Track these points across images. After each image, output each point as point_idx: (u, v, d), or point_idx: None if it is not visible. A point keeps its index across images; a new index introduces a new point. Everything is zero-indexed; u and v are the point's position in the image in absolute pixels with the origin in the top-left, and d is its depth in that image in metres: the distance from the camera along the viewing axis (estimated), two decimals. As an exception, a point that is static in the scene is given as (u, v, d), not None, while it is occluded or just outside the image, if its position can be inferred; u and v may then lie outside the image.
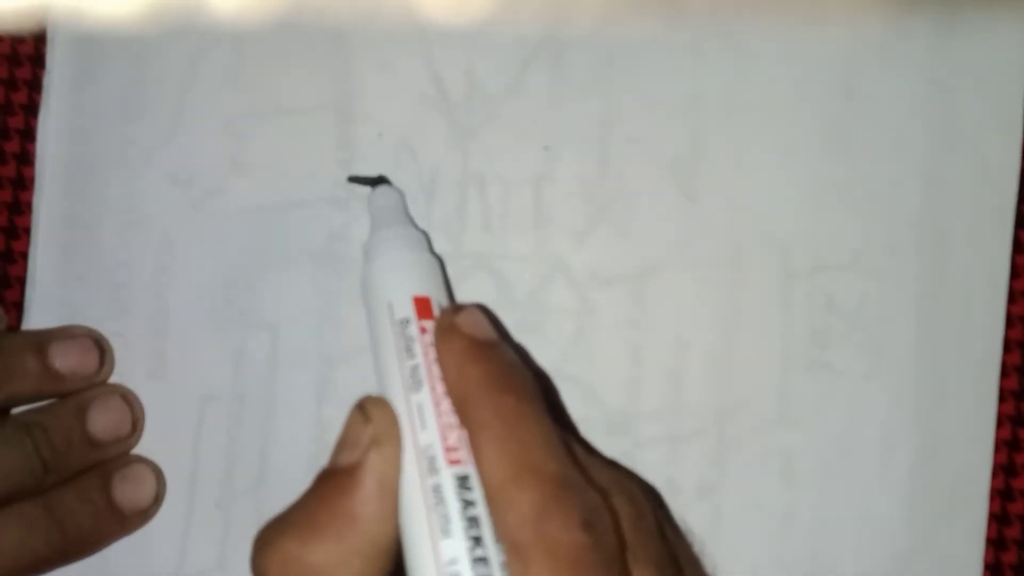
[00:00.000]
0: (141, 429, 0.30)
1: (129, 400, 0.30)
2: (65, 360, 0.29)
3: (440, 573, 0.21)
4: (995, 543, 0.30)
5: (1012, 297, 0.30)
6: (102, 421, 0.29)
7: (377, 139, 0.30)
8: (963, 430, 0.30)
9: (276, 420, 0.30)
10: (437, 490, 0.22)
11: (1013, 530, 0.30)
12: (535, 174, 0.30)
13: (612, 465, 0.25)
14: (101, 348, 0.30)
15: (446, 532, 0.21)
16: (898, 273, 0.30)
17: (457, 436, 0.22)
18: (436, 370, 0.23)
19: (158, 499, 0.30)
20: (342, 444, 0.23)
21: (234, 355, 0.30)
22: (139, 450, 0.30)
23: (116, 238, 0.30)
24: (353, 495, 0.22)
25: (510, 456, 0.21)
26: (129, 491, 0.29)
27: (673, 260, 0.30)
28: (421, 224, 0.30)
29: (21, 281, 0.31)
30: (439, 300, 0.25)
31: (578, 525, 0.20)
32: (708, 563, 0.29)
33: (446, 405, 0.23)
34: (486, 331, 0.24)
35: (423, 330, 0.24)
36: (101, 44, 0.30)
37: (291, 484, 0.30)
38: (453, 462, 0.22)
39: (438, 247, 0.30)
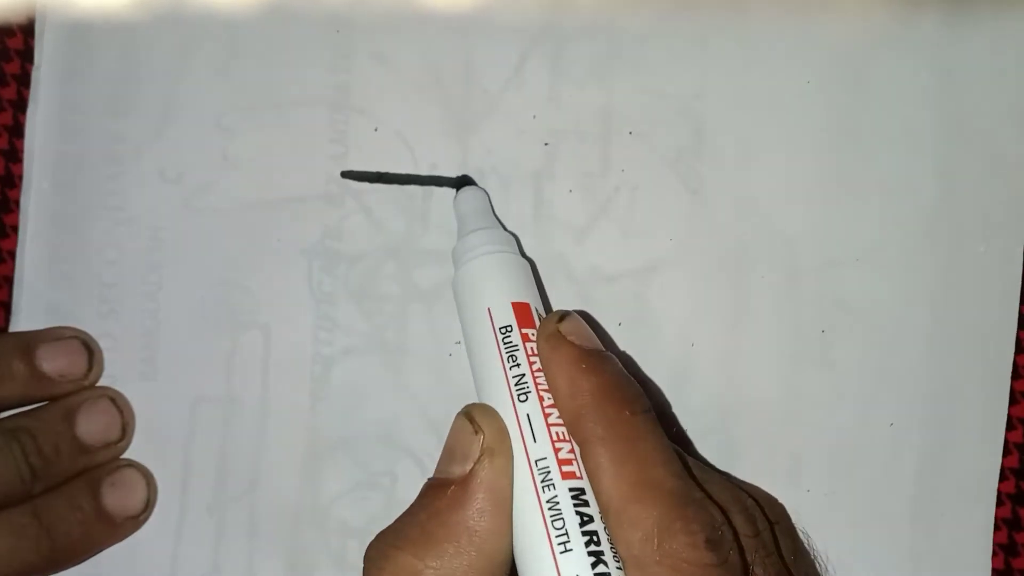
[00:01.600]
0: (131, 433, 0.30)
1: (118, 404, 0.30)
2: (53, 363, 0.29)
3: None
4: (1006, 548, 0.30)
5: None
6: (91, 426, 0.29)
7: (373, 133, 0.30)
8: (973, 431, 0.29)
9: (269, 422, 0.30)
10: (554, 504, 0.21)
11: (1025, 533, 0.30)
12: (535, 169, 0.30)
13: (728, 479, 0.25)
14: (90, 350, 0.29)
15: (566, 548, 0.21)
16: (908, 269, 0.29)
17: (568, 449, 0.22)
18: (542, 379, 0.23)
19: (149, 505, 0.30)
20: (451, 455, 0.22)
21: (226, 355, 0.30)
22: (129, 454, 0.30)
23: (105, 236, 0.30)
24: (467, 508, 0.21)
25: (630, 473, 0.21)
26: (119, 497, 0.29)
27: (677, 257, 0.29)
28: (418, 221, 0.29)
29: (9, 280, 0.30)
30: (536, 306, 0.25)
31: (703, 543, 0.20)
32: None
33: (555, 416, 0.22)
34: (592, 340, 0.23)
35: (525, 337, 0.24)
36: (90, 38, 0.30)
37: (284, 488, 0.30)
38: (567, 475, 0.22)
39: (436, 244, 0.30)
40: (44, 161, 0.30)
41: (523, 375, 0.23)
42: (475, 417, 0.22)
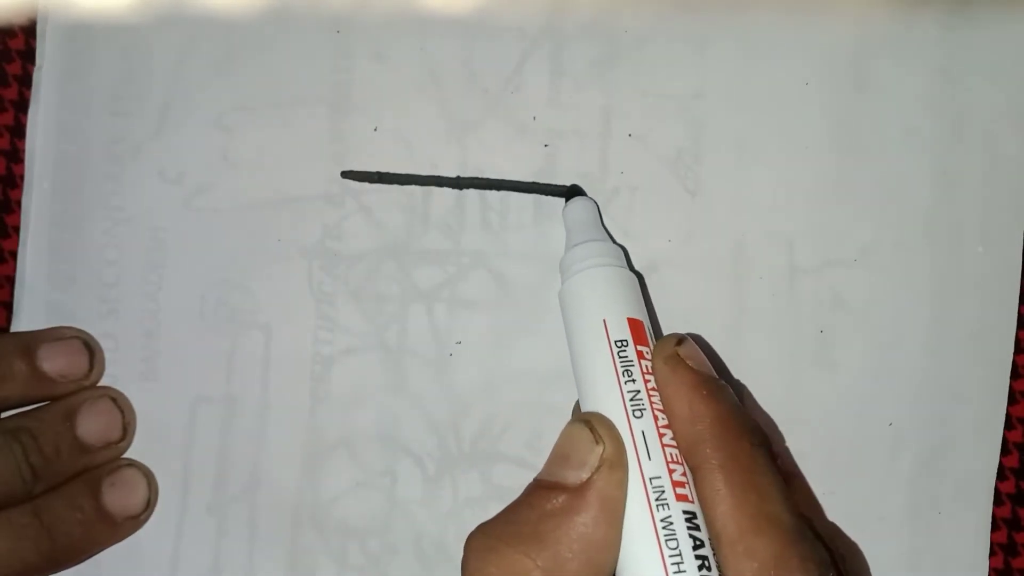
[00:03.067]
0: (132, 433, 0.30)
1: (119, 403, 0.30)
2: (54, 363, 0.29)
3: None
4: (1005, 548, 0.30)
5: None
6: (92, 426, 0.29)
7: (372, 133, 0.30)
8: (971, 431, 0.29)
9: (269, 422, 0.30)
10: (668, 524, 0.21)
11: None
12: (534, 170, 0.29)
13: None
14: (91, 350, 0.29)
15: (679, 569, 0.20)
16: (907, 269, 0.29)
17: (681, 471, 0.22)
18: (656, 399, 0.23)
19: (149, 505, 0.30)
20: (566, 459, 0.22)
21: (226, 355, 0.30)
22: (130, 453, 0.30)
23: (105, 236, 0.30)
24: (581, 516, 0.21)
25: (749, 504, 0.21)
26: (119, 497, 0.29)
27: (675, 257, 0.29)
28: (418, 221, 0.29)
29: (10, 280, 0.30)
30: (648, 325, 0.25)
31: None
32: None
33: (668, 437, 0.22)
34: (707, 367, 0.24)
35: (640, 355, 0.24)
36: (91, 38, 0.30)
37: (284, 488, 0.30)
38: (680, 498, 0.22)
39: (436, 245, 0.30)
40: (45, 161, 0.30)
41: (638, 391, 0.23)
42: (595, 426, 0.22)
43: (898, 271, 0.29)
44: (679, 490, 0.22)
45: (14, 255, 0.30)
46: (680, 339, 0.24)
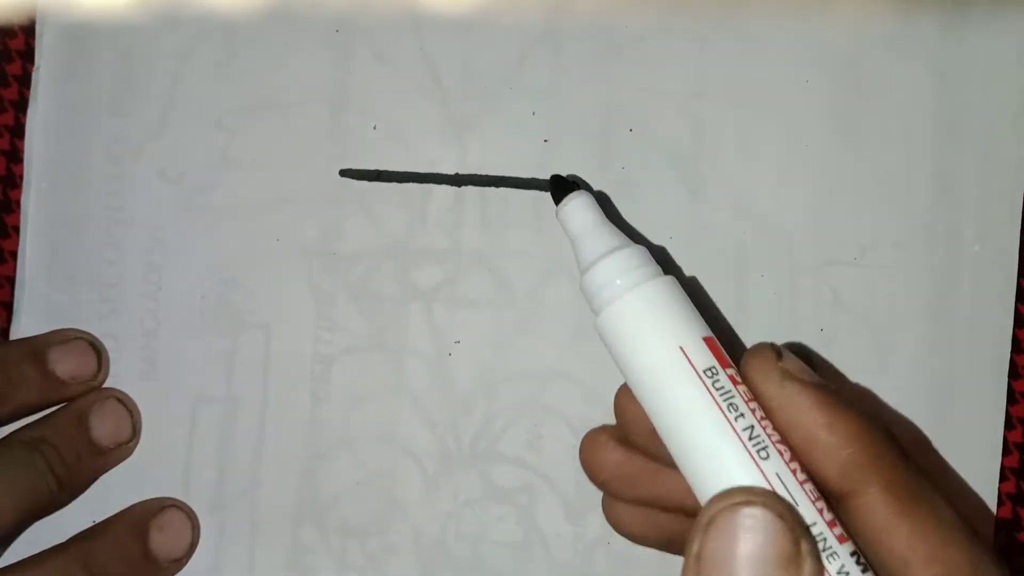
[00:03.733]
0: (139, 431, 0.30)
1: (125, 403, 0.30)
2: (65, 366, 0.29)
3: None
4: (1005, 550, 0.30)
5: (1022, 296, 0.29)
6: (104, 427, 0.29)
7: (372, 132, 0.30)
8: (970, 430, 0.29)
9: (269, 422, 0.30)
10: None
11: (1026, 532, 0.30)
12: (534, 167, 0.29)
13: None
14: (97, 351, 0.30)
15: None
16: (906, 268, 0.29)
17: (822, 505, 0.19)
18: (770, 428, 0.20)
19: (192, 546, 0.30)
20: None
21: (226, 355, 0.30)
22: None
23: (105, 236, 0.30)
24: None
25: (930, 518, 0.19)
26: (167, 541, 0.29)
27: (676, 255, 0.29)
28: (417, 220, 0.29)
29: (10, 280, 0.30)
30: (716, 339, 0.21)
31: None
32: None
33: (800, 471, 0.19)
34: (816, 376, 0.21)
35: (733, 380, 0.20)
36: (90, 38, 0.30)
37: (284, 488, 0.30)
38: (841, 539, 0.19)
39: (435, 244, 0.30)
40: (44, 161, 0.30)
41: (751, 426, 0.19)
42: (782, 513, 0.18)
43: (897, 270, 0.29)
44: (835, 531, 0.19)
45: (14, 255, 0.30)
46: (777, 351, 0.21)
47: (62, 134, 0.30)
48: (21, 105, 0.30)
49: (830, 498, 0.20)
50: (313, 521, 0.30)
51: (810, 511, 0.19)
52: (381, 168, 0.30)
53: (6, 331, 0.30)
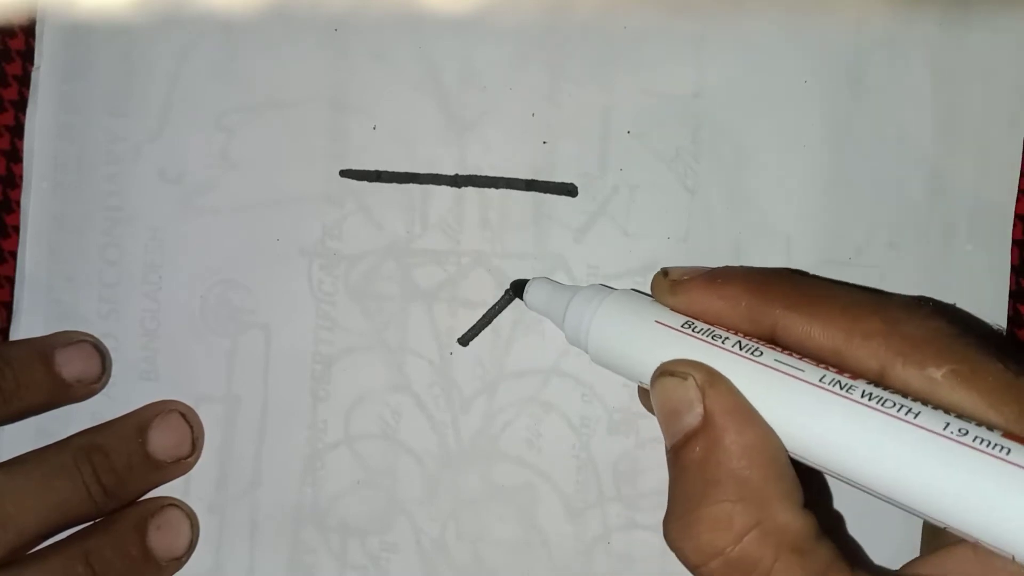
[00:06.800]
0: (200, 448, 0.30)
1: (188, 419, 0.30)
2: (72, 368, 0.29)
3: None
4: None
5: (1015, 295, 0.29)
6: (163, 441, 0.29)
7: (371, 132, 0.30)
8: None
9: (269, 421, 0.30)
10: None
11: None
12: (534, 168, 0.29)
13: None
14: (101, 353, 0.30)
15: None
16: (901, 268, 0.29)
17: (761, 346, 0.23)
18: (740, 337, 0.23)
19: (192, 545, 0.30)
20: (675, 413, 0.22)
21: (226, 355, 0.30)
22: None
23: (105, 236, 0.30)
24: (727, 437, 0.21)
25: (835, 313, 0.22)
26: (165, 539, 0.29)
27: (675, 255, 0.29)
28: (417, 221, 0.29)
29: (10, 280, 0.30)
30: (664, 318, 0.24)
31: None
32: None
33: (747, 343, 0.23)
34: (698, 269, 0.25)
35: (709, 324, 0.24)
36: (90, 38, 0.30)
37: (284, 487, 0.30)
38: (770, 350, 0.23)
39: (435, 245, 0.30)
40: (44, 161, 0.30)
41: (737, 342, 0.23)
42: (671, 370, 0.22)
43: (892, 269, 0.29)
44: (768, 356, 0.22)
45: (14, 255, 0.30)
46: (664, 271, 0.25)
47: (62, 134, 0.30)
48: (21, 105, 0.30)
49: (777, 342, 0.23)
50: (313, 521, 0.30)
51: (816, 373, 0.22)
52: (381, 168, 0.30)
53: (6, 331, 0.30)
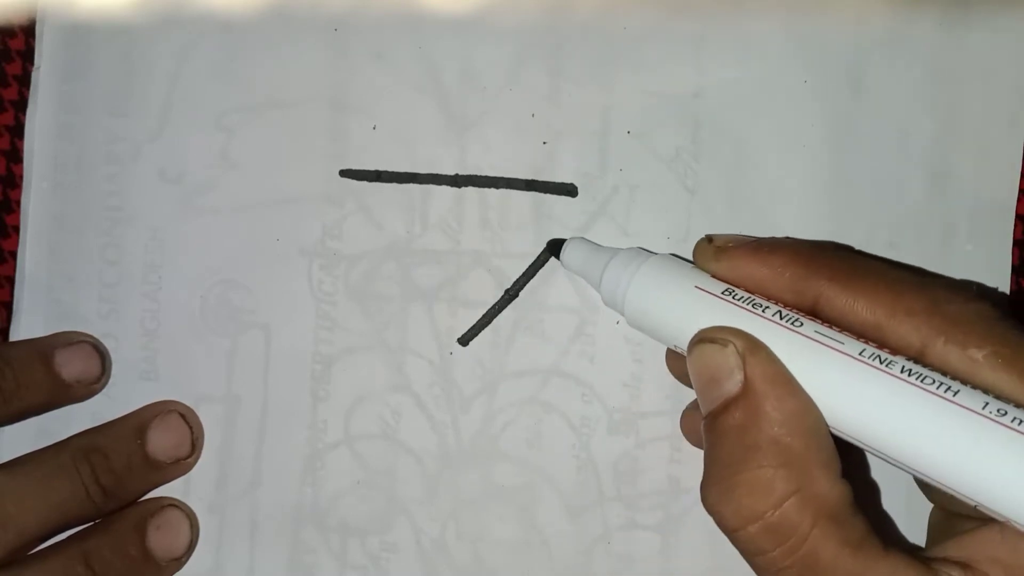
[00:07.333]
0: (200, 449, 0.30)
1: (188, 419, 0.30)
2: (71, 368, 0.29)
3: None
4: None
5: (1017, 295, 0.29)
6: (163, 442, 0.29)
7: (371, 132, 0.30)
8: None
9: (269, 421, 0.30)
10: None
11: None
12: (534, 168, 0.29)
13: None
14: (100, 353, 0.30)
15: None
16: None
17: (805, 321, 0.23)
18: (778, 306, 0.23)
19: (191, 545, 0.30)
20: (714, 381, 0.22)
21: (226, 355, 0.30)
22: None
23: (105, 236, 0.30)
24: (767, 404, 0.21)
25: (880, 290, 0.23)
26: (164, 540, 0.29)
27: (674, 254, 0.29)
28: (417, 220, 0.29)
29: (10, 280, 0.30)
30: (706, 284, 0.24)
31: None
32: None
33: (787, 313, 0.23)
34: (744, 238, 0.25)
35: (748, 292, 0.24)
36: (90, 38, 0.30)
37: (284, 487, 0.30)
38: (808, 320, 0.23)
39: (435, 245, 0.30)
40: (44, 161, 0.30)
41: (778, 312, 0.23)
42: (710, 336, 0.22)
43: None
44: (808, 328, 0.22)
45: (14, 255, 0.30)
46: (708, 238, 0.25)
47: (62, 134, 0.30)
48: (21, 105, 0.30)
49: (818, 314, 0.23)
50: (313, 521, 0.30)
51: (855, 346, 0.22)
52: (381, 168, 0.30)
53: (6, 331, 0.30)
